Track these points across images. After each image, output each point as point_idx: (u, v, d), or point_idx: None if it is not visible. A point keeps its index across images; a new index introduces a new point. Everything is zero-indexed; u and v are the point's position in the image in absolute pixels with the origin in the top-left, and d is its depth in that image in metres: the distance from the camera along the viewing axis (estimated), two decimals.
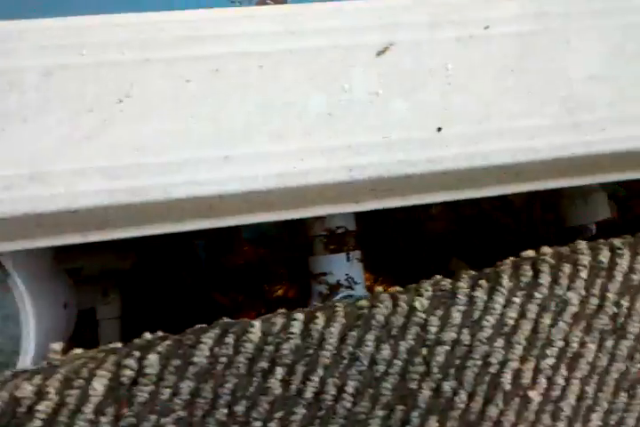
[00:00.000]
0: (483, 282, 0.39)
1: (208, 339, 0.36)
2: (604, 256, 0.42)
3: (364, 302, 0.37)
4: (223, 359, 0.36)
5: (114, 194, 0.49)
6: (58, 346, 0.38)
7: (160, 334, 0.39)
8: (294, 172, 0.47)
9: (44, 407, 0.34)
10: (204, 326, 0.38)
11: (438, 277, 0.41)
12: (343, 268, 0.76)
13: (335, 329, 0.36)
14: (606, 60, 0.51)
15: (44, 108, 0.50)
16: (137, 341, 0.39)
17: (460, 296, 0.38)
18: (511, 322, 0.40)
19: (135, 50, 0.50)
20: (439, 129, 0.47)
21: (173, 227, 0.50)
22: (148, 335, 0.39)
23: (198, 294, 1.40)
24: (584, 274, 0.41)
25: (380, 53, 0.48)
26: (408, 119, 0.47)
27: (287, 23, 0.50)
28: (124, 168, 0.49)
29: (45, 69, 0.50)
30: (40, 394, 0.34)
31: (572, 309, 0.40)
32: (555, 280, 0.40)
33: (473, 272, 0.40)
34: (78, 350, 0.39)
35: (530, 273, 0.41)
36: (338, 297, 0.73)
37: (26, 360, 0.53)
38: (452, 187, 0.48)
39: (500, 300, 0.39)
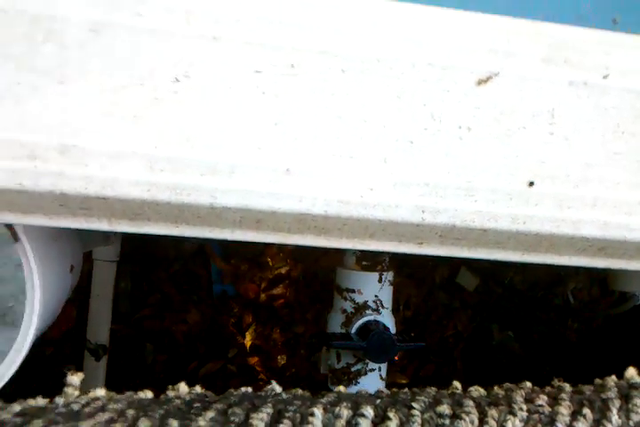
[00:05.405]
0: (587, 412, 0.32)
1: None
2: None
3: (445, 409, 0.32)
4: None
5: (153, 188, 0.43)
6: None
7: None
8: (360, 201, 0.42)
9: None
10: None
11: (529, 385, 0.35)
12: (374, 288, 0.71)
13: None
14: None
15: (85, 70, 0.43)
16: None
17: (558, 425, 0.31)
18: None
19: (205, 22, 0.43)
20: (531, 184, 0.42)
21: (211, 232, 0.45)
22: None
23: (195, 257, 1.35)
24: None
25: (481, 82, 0.43)
26: (498, 165, 0.42)
27: (380, 25, 0.44)
28: (169, 160, 0.43)
29: (93, 24, 0.43)
30: None
31: None
32: None
33: (572, 390, 0.34)
34: None
35: None
36: (363, 320, 0.69)
37: (32, 320, 0.50)
38: (526, 249, 0.43)
39: None
